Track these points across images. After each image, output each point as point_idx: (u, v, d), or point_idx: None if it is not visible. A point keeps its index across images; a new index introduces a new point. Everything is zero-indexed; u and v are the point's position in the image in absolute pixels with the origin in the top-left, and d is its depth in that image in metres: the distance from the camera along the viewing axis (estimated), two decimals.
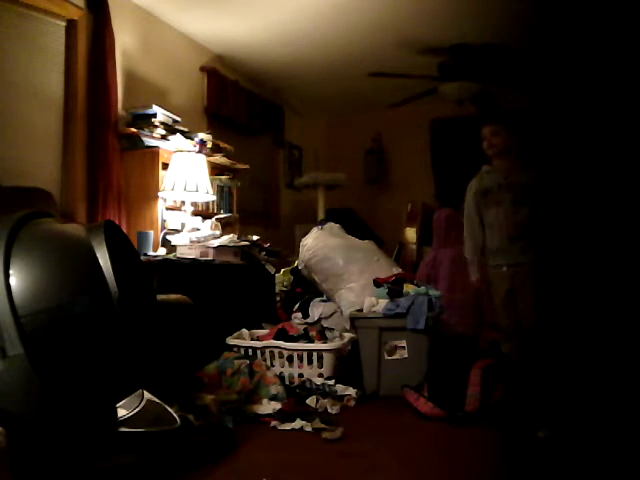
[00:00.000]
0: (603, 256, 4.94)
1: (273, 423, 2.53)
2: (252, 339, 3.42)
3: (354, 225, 4.87)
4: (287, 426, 2.50)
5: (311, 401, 2.83)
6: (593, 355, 3.47)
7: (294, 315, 3.83)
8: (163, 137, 3.76)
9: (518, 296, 2.81)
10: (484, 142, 2.93)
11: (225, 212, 4.33)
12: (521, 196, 2.84)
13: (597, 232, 5.19)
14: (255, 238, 3.90)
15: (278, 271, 4.27)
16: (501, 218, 2.87)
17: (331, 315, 3.73)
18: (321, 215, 5.58)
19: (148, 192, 3.66)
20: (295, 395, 2.87)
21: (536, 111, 5.80)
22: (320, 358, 3.12)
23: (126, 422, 1.78)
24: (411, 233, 5.70)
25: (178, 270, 3.21)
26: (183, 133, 3.92)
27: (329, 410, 2.77)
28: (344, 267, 3.79)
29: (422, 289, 3.32)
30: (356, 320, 3.31)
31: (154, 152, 3.67)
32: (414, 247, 5.59)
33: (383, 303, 3.27)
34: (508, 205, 2.85)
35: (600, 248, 5.03)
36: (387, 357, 3.17)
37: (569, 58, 4.99)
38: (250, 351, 3.23)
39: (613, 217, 5.26)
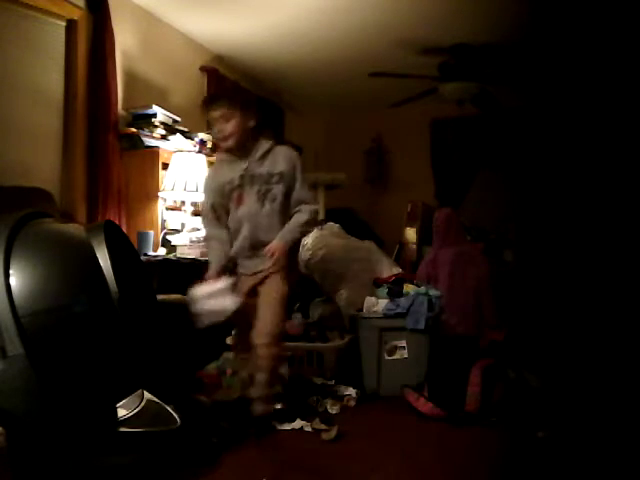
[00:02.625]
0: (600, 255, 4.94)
1: (273, 423, 2.53)
2: None
3: (354, 225, 4.86)
4: (287, 426, 2.49)
5: (311, 401, 2.83)
6: (592, 355, 3.47)
7: (294, 315, 3.83)
8: (163, 137, 3.76)
9: None
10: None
11: None
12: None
13: (599, 230, 5.19)
14: None
15: None
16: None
17: (331, 315, 3.72)
18: (321, 215, 5.58)
19: (148, 192, 3.66)
20: (295, 395, 2.87)
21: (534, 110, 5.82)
22: (320, 358, 3.12)
23: (126, 422, 1.79)
24: (411, 233, 5.69)
25: (178, 270, 3.21)
26: (183, 133, 3.92)
27: (329, 410, 2.76)
28: (344, 267, 3.79)
29: (422, 289, 3.32)
30: (356, 320, 3.31)
31: (154, 152, 3.67)
32: (414, 247, 5.58)
33: (383, 303, 3.27)
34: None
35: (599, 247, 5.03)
36: (387, 357, 3.17)
37: (569, 58, 4.98)
38: None
39: (613, 215, 5.27)
